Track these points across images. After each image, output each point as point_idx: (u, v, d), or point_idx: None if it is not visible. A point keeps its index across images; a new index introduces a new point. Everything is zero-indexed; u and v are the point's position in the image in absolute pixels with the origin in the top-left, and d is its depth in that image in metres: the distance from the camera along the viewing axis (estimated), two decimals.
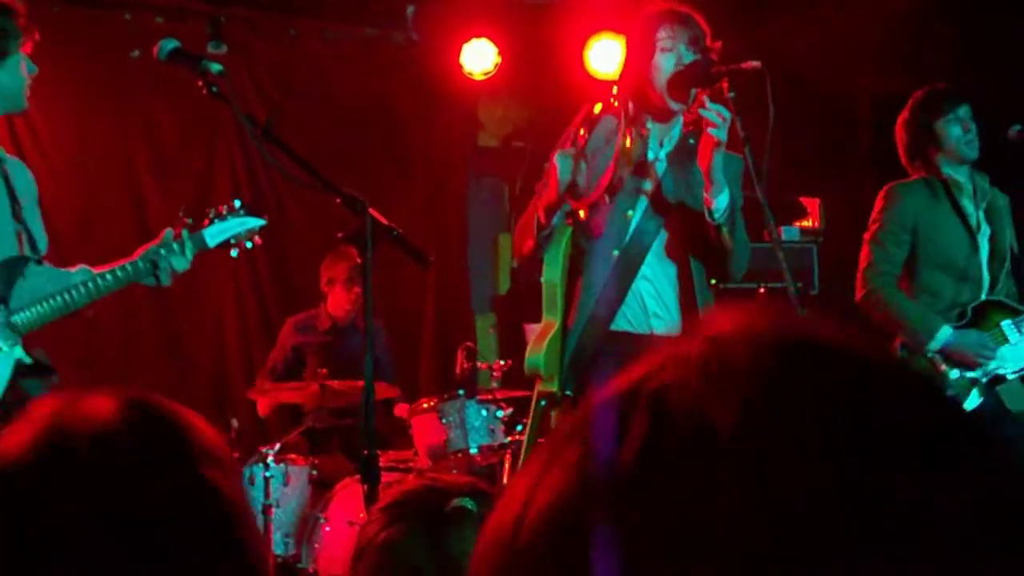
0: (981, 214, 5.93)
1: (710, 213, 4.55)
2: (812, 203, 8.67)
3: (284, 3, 8.64)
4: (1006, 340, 5.84)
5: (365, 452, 3.87)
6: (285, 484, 6.62)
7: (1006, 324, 5.85)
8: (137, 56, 7.85)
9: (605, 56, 8.42)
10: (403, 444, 7.20)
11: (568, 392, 4.56)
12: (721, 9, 8.32)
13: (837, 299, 7.60)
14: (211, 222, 4.58)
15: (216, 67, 4.01)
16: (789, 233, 8.39)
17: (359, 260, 7.53)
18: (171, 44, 4.16)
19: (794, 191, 8.58)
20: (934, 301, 5.86)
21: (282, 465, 6.63)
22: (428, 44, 9.04)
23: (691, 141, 4.67)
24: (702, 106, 4.40)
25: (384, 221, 4.09)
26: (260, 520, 6.44)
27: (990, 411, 5.64)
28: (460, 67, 8.91)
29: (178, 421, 1.36)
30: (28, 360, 4.25)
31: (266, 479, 6.47)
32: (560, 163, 4.38)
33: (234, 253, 4.75)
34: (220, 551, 1.26)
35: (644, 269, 4.66)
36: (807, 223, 8.65)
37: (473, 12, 8.77)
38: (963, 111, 5.84)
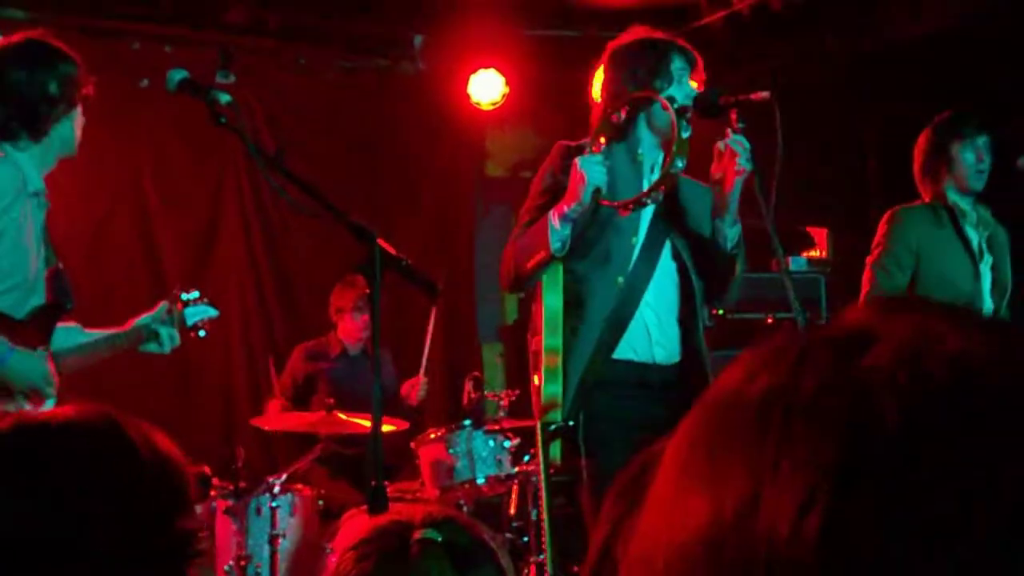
0: (984, 242, 5.92)
1: (723, 242, 4.59)
2: (820, 233, 8.67)
3: (293, 33, 8.66)
4: None
5: (373, 482, 3.84)
6: (292, 514, 6.59)
7: None
8: (146, 85, 7.87)
9: None
10: (410, 474, 7.18)
11: (571, 423, 4.53)
12: (729, 38, 8.37)
13: None
14: (184, 305, 4.84)
15: (225, 97, 4.01)
16: (797, 263, 8.39)
17: (367, 289, 7.62)
18: (180, 74, 4.16)
19: (802, 221, 8.58)
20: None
21: (289, 495, 6.60)
22: (436, 74, 9.07)
23: (678, 167, 4.66)
24: (727, 136, 4.43)
25: (393, 251, 4.08)
26: (267, 550, 6.42)
27: None
28: (468, 97, 8.94)
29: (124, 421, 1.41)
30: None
31: (272, 509, 6.44)
32: (589, 168, 4.37)
33: (202, 333, 4.98)
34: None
35: (647, 296, 4.65)
36: (815, 253, 8.65)
37: (481, 43, 8.79)
38: (982, 140, 5.82)
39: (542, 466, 4.69)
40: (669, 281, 4.72)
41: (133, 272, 8.22)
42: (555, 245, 4.46)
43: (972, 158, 5.81)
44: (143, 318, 4.71)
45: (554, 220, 4.46)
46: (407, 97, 9.23)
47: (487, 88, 8.91)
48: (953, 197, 5.87)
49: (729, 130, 4.45)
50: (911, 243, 5.85)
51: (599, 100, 4.79)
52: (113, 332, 4.69)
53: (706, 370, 4.67)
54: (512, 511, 6.97)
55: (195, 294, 4.89)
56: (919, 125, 6.02)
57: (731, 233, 4.59)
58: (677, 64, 4.69)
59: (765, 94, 4.41)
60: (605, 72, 4.80)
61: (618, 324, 4.60)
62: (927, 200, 5.95)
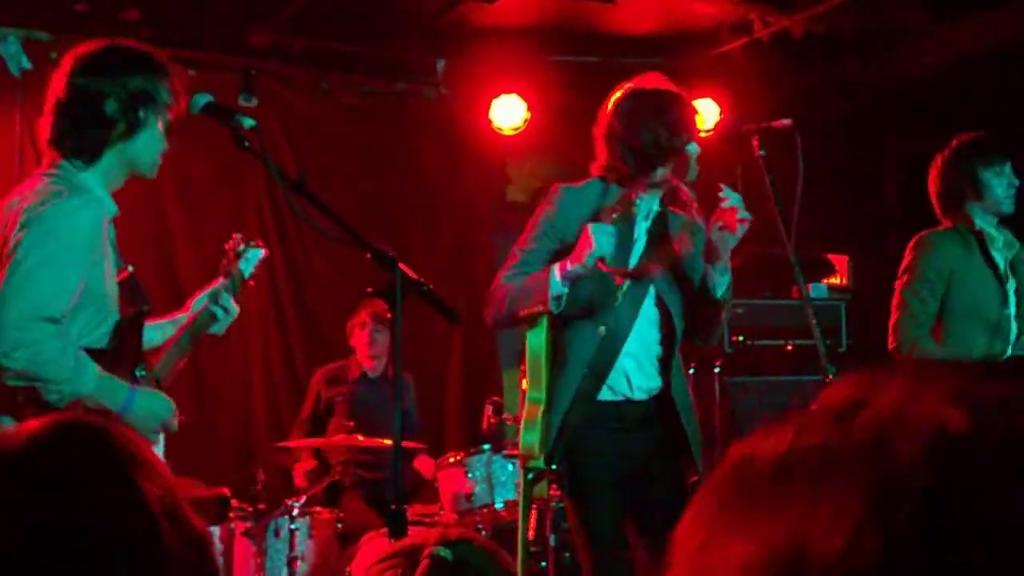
0: (1008, 266, 5.90)
1: (713, 290, 4.59)
2: (840, 260, 8.67)
3: (316, 57, 8.70)
4: None
5: (393, 506, 3.85)
6: (310, 536, 6.60)
7: None
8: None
9: None
10: (429, 498, 7.19)
11: (554, 467, 4.56)
12: (749, 66, 8.40)
13: (865, 356, 7.59)
14: (237, 257, 4.58)
15: (249, 122, 4.02)
16: (817, 290, 8.40)
17: (380, 310, 7.65)
18: (204, 98, 4.17)
19: (822, 248, 8.58)
20: (966, 354, 5.80)
21: (307, 517, 6.62)
22: (458, 99, 9.10)
23: (662, 211, 4.74)
24: (719, 196, 4.44)
25: (414, 276, 4.09)
26: (285, 573, 6.43)
27: None
28: (489, 122, 8.95)
29: (105, 433, 1.38)
30: None
31: (291, 531, 6.46)
32: (599, 236, 4.35)
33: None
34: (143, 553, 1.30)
35: (628, 345, 4.65)
36: (835, 280, 8.65)
37: (503, 68, 8.82)
38: (1008, 167, 5.82)
39: (521, 508, 4.78)
40: (651, 328, 4.72)
41: (153, 295, 8.18)
42: (552, 302, 4.46)
43: (1003, 183, 5.79)
44: (199, 299, 4.51)
45: (557, 275, 4.46)
46: (429, 122, 9.26)
47: (509, 113, 8.93)
48: (980, 222, 5.85)
49: (723, 186, 4.46)
50: (942, 269, 5.81)
51: (609, 141, 4.75)
52: (186, 321, 4.47)
53: (678, 401, 4.70)
54: (531, 535, 6.97)
55: (245, 246, 4.63)
56: (939, 153, 6.00)
57: (721, 280, 4.59)
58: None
59: (787, 122, 4.43)
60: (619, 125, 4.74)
61: (598, 372, 4.62)
62: (950, 225, 5.92)
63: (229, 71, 8.37)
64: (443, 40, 8.78)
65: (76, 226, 3.88)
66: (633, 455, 4.64)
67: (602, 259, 4.40)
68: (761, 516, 0.84)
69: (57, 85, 4.04)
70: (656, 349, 4.72)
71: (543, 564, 6.72)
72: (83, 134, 4.02)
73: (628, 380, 4.67)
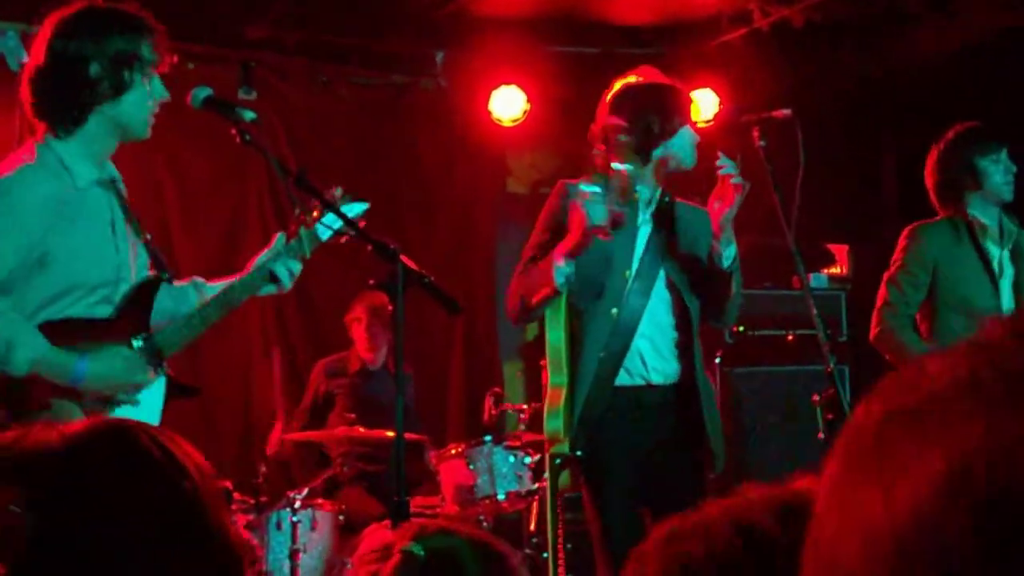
0: (1006, 257, 5.87)
1: (720, 260, 4.65)
2: (840, 250, 8.67)
3: (314, 50, 8.69)
4: None
5: (396, 497, 3.85)
6: (312, 529, 6.60)
7: None
8: (168, 101, 7.89)
9: None
10: (430, 490, 7.19)
11: (578, 452, 4.64)
12: (749, 56, 8.39)
13: (865, 346, 7.59)
14: (321, 214, 4.29)
15: (250, 115, 4.01)
16: (817, 280, 8.40)
17: (377, 303, 7.64)
18: (205, 92, 4.16)
19: (822, 238, 8.58)
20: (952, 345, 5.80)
21: (309, 510, 6.62)
22: (457, 91, 9.09)
23: (666, 199, 4.85)
24: (717, 159, 4.52)
25: (415, 268, 4.08)
26: (287, 565, 6.44)
27: None
28: (489, 114, 8.94)
29: (141, 435, 1.40)
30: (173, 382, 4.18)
31: (293, 524, 6.46)
32: (590, 208, 4.41)
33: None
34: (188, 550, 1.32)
35: (642, 327, 4.74)
36: (835, 270, 8.65)
37: (502, 59, 8.81)
38: (1004, 153, 5.81)
39: (549, 495, 4.81)
40: (664, 310, 4.82)
41: None
42: (559, 280, 4.55)
43: (1000, 170, 5.79)
44: (260, 258, 4.31)
45: (557, 258, 4.54)
46: (428, 114, 9.25)
47: (508, 105, 8.92)
48: (976, 211, 5.84)
49: (720, 153, 4.51)
50: (927, 261, 5.82)
51: (606, 134, 4.85)
52: (225, 286, 4.28)
53: (699, 391, 4.77)
54: (532, 527, 6.98)
55: (338, 191, 4.34)
56: (938, 142, 6.00)
57: (727, 252, 4.66)
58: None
59: (787, 112, 4.44)
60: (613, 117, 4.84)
61: (614, 356, 4.70)
62: (947, 215, 5.92)
63: (227, 64, 8.36)
64: (442, 32, 8.76)
65: (25, 198, 3.84)
66: (651, 444, 4.70)
67: (597, 228, 4.42)
68: (947, 431, 0.82)
69: (37, 51, 3.98)
70: (671, 332, 4.81)
71: (545, 555, 6.72)
72: (65, 98, 3.95)
73: (644, 362, 4.75)
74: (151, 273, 4.18)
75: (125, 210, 4.16)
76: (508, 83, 8.89)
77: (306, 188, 4.11)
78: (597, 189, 4.47)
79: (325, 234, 4.28)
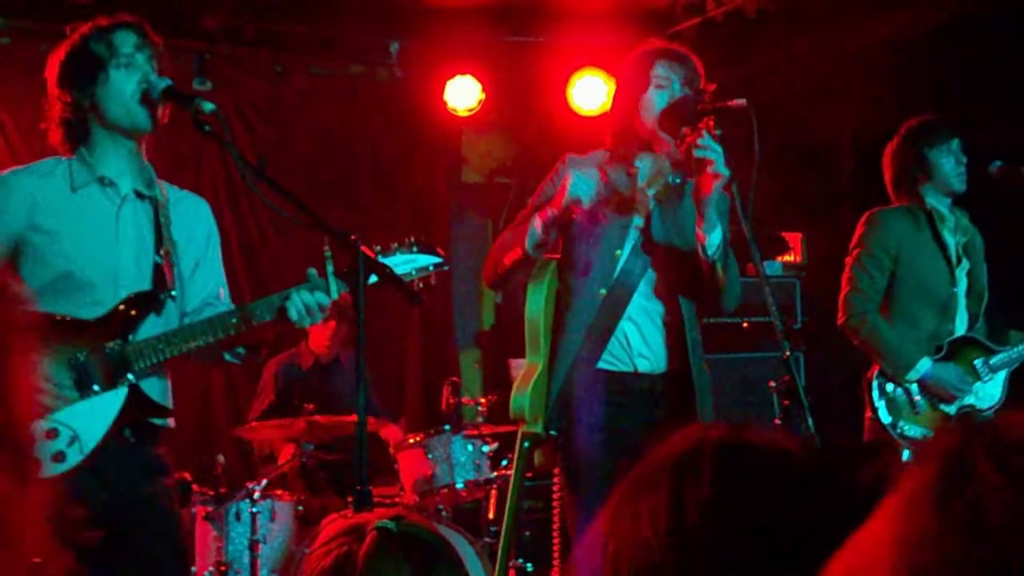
0: (961, 248, 5.96)
1: (703, 249, 4.53)
2: (794, 238, 8.72)
3: (270, 40, 8.67)
4: (978, 377, 5.89)
5: (358, 487, 3.85)
6: (272, 520, 6.60)
7: (979, 362, 5.90)
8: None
9: (588, 92, 8.49)
10: (389, 479, 7.20)
11: (553, 432, 4.54)
12: (703, 45, 8.42)
13: (819, 333, 7.65)
14: (387, 254, 4.23)
15: (209, 106, 3.99)
16: (772, 268, 8.43)
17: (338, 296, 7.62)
18: (164, 82, 4.16)
19: (776, 226, 8.62)
20: (913, 331, 5.88)
21: (268, 501, 6.61)
22: (412, 81, 9.09)
23: (676, 180, 4.68)
24: (695, 144, 4.40)
25: (374, 257, 4.08)
26: (247, 556, 6.44)
27: None
28: (444, 103, 8.96)
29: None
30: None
31: (253, 515, 6.46)
32: (576, 180, 4.42)
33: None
34: None
35: (630, 309, 4.63)
36: (789, 258, 8.69)
37: (457, 49, 8.82)
38: (956, 144, 5.89)
39: (514, 479, 4.70)
40: (655, 296, 4.69)
41: None
42: (529, 243, 4.52)
43: (951, 162, 5.87)
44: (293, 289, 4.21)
45: (536, 223, 4.50)
46: (383, 103, 9.25)
47: (463, 94, 8.93)
48: (932, 201, 5.92)
49: (703, 132, 4.44)
50: (890, 245, 5.89)
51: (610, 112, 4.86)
52: (223, 313, 4.29)
53: (693, 382, 4.63)
54: (491, 515, 7.00)
55: (410, 240, 4.32)
56: (892, 130, 6.06)
57: (711, 239, 4.52)
58: (659, 71, 4.74)
59: (742, 101, 4.44)
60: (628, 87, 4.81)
61: (598, 335, 4.59)
62: (902, 204, 5.99)
63: (182, 55, 8.32)
64: (396, 22, 8.76)
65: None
66: (633, 434, 4.50)
67: (577, 202, 4.41)
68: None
69: (51, 99, 4.19)
70: (660, 319, 4.68)
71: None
72: (68, 130, 4.15)
73: (629, 346, 4.62)
74: (150, 288, 4.15)
75: (155, 224, 4.22)
76: (463, 73, 8.90)
77: (264, 179, 4.09)
78: (592, 169, 4.48)
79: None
